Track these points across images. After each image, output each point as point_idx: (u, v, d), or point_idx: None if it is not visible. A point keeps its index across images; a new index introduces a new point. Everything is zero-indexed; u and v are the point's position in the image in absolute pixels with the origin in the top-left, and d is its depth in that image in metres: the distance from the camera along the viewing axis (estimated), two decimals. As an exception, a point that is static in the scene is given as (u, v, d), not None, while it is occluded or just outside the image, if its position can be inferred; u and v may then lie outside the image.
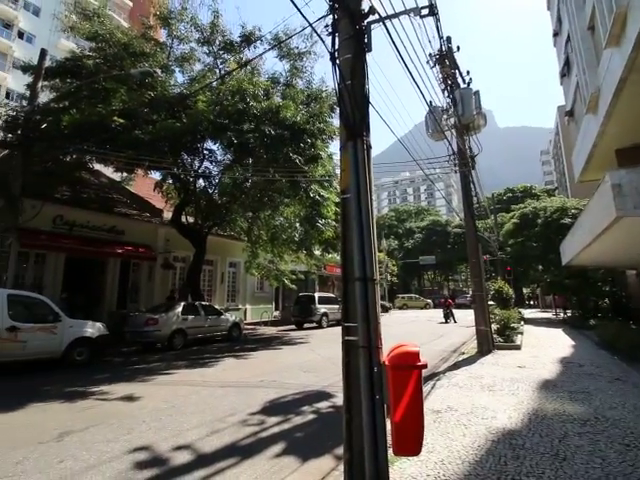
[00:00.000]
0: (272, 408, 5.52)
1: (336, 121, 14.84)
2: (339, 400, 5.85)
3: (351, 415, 2.81)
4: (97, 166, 14.77)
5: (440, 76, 9.66)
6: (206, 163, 14.72)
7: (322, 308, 18.91)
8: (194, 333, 12.18)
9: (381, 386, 2.69)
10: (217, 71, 14.32)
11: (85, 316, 10.48)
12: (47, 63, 11.89)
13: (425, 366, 2.57)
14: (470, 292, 46.44)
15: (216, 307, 14.33)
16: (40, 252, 12.48)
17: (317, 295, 19.42)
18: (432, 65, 9.82)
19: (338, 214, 15.21)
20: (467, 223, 10.90)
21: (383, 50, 7.46)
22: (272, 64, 16.30)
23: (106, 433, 4.48)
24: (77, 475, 3.43)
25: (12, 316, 7.59)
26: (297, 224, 16.07)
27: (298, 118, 12.02)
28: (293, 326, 19.13)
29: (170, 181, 15.68)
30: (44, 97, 12.63)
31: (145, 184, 17.84)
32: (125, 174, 16.64)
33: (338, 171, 14.76)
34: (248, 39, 13.81)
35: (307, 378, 7.47)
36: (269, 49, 12.38)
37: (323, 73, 24.68)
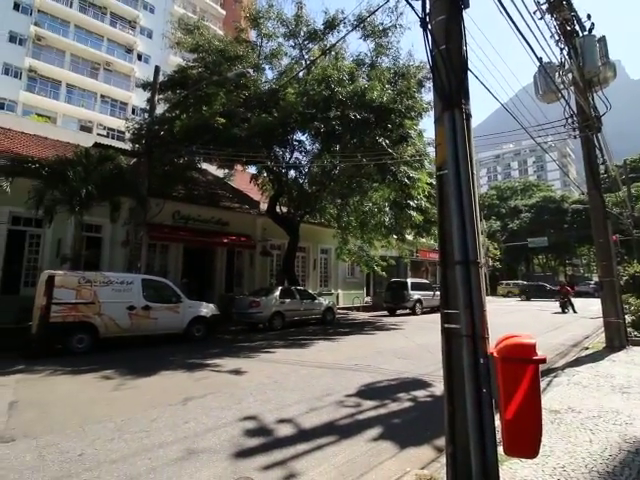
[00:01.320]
0: (367, 392, 5.55)
1: (426, 96, 13.92)
2: (437, 390, 5.60)
3: (454, 407, 2.63)
4: (204, 165, 16.56)
5: (553, 25, 8.21)
6: (296, 154, 15.31)
7: (415, 294, 18.29)
8: (291, 316, 12.97)
9: (489, 379, 2.44)
10: (303, 62, 14.61)
11: (200, 298, 11.95)
12: (160, 78, 13.61)
13: (543, 360, 2.25)
14: (594, 278, 39.68)
15: (310, 292, 14.98)
16: (164, 243, 14.59)
17: (410, 281, 18.85)
18: (541, 16, 8.39)
19: (431, 196, 14.39)
20: (592, 197, 9.21)
21: (480, 5, 6.62)
22: (356, 46, 16.12)
23: (220, 401, 5.05)
24: (199, 436, 3.93)
25: (146, 297, 9.12)
26: (387, 208, 15.71)
27: (384, 98, 11.59)
28: (385, 312, 18.95)
29: (264, 174, 16.75)
30: (160, 109, 14.54)
31: (243, 179, 19.38)
32: (226, 170, 18.32)
33: (430, 149, 13.92)
34: (331, 24, 13.74)
35: (402, 365, 7.32)
36: (352, 30, 12.14)
37: (410, 46, 23.27)
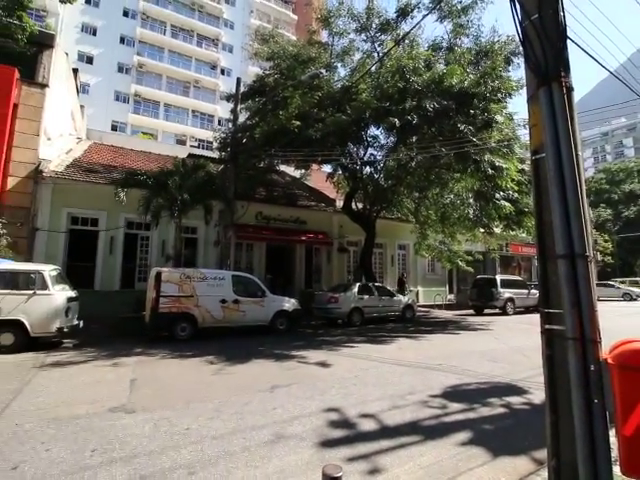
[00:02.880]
0: (454, 394, 5.28)
1: (515, 73, 12.65)
2: (535, 397, 5.08)
3: (557, 417, 2.37)
4: (282, 167, 17.38)
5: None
6: (370, 149, 15.16)
7: (506, 292, 16.77)
8: (369, 312, 12.92)
9: (602, 388, 2.14)
10: (375, 55, 14.39)
11: (282, 293, 12.60)
12: (241, 89, 14.62)
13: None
14: None
15: (388, 288, 14.74)
16: (249, 242, 15.71)
17: (499, 278, 17.34)
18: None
19: (522, 184, 13.05)
20: None
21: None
22: (431, 30, 15.36)
23: (305, 391, 5.27)
24: (286, 422, 4.16)
25: (235, 292, 9.95)
26: (470, 200, 14.66)
27: (465, 83, 10.83)
28: (471, 311, 17.74)
29: (339, 172, 16.92)
30: (242, 117, 15.64)
31: (319, 177, 19.86)
32: (303, 171, 18.96)
33: (522, 131, 12.62)
34: (404, 11, 13.28)
35: (492, 368, 6.80)
36: (428, 13, 11.51)
37: (494, 21, 21.30)
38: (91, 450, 3.42)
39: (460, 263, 17.62)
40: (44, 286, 7.75)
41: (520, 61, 12.59)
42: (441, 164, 13.13)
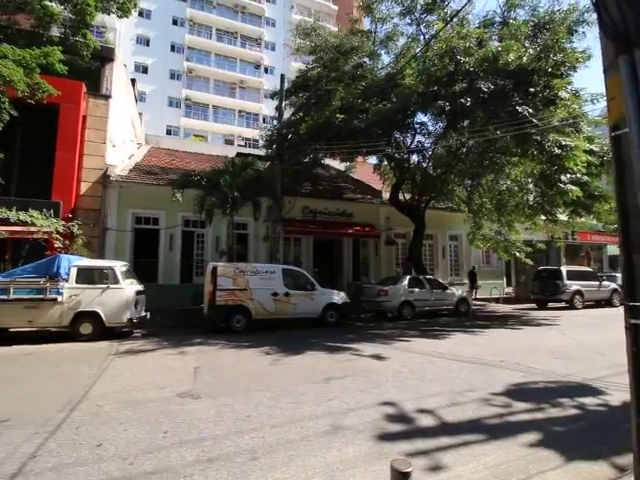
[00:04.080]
0: (518, 392, 4.98)
1: (579, 44, 11.47)
2: (613, 399, 4.65)
3: (647, 422, 2.13)
4: (327, 161, 17.37)
5: None
6: (418, 137, 14.63)
7: (573, 285, 15.45)
8: (421, 305, 12.58)
9: None
10: (421, 38, 13.80)
11: (331, 286, 12.67)
12: (285, 85, 14.79)
13: None
14: None
15: (440, 281, 14.24)
16: (296, 236, 15.98)
17: (565, 269, 16.00)
18: None
19: (592, 165, 11.89)
20: None
21: None
22: (482, 5, 14.23)
23: (359, 384, 5.27)
24: (342, 413, 4.19)
25: (286, 285, 10.21)
26: (530, 185, 13.63)
27: (524, 59, 10.02)
28: (533, 305, 16.60)
29: (385, 162, 16.56)
30: (287, 114, 15.84)
31: (364, 169, 19.60)
32: (348, 163, 18.81)
33: (588, 107, 11.47)
34: (452, -12, 12.54)
35: (561, 366, 6.31)
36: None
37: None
38: (163, 432, 3.70)
39: (518, 254, 16.50)
40: (116, 281, 8.51)
41: (586, 30, 11.40)
42: (496, 148, 12.34)
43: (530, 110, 9.97)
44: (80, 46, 12.14)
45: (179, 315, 11.46)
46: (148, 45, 36.35)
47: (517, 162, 12.80)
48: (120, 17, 14.39)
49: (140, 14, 35.54)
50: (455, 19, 12.26)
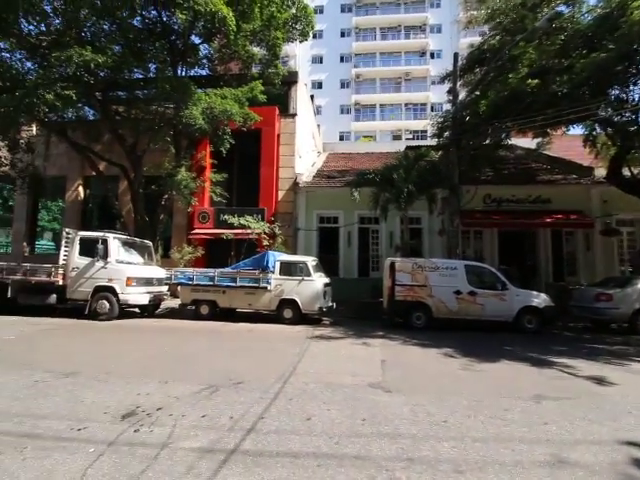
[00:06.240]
0: None
1: None
2: None
3: None
4: (512, 140, 14.97)
5: None
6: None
7: None
8: (668, 316, 9.23)
9: None
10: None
11: (523, 287, 10.84)
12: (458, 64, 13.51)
13: None
14: None
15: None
16: (477, 229, 14.43)
17: None
18: None
19: None
20: None
21: None
22: None
23: (584, 411, 4.19)
24: (565, 444, 3.37)
25: (470, 282, 9.31)
26: None
27: None
28: None
29: (597, 130, 12.98)
30: (460, 96, 14.49)
31: (562, 145, 15.93)
32: (540, 139, 15.71)
33: None
34: None
35: None
36: None
37: None
38: (362, 419, 3.83)
39: None
40: (308, 273, 9.70)
41: None
42: None
43: None
44: (273, 76, 14.45)
45: (359, 307, 12.11)
46: (322, 62, 40.33)
47: None
48: (301, 42, 16.45)
49: (314, 36, 39.84)
50: None
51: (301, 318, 9.81)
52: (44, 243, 17.91)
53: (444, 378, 5.41)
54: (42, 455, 2.99)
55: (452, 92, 13.19)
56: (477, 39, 15.03)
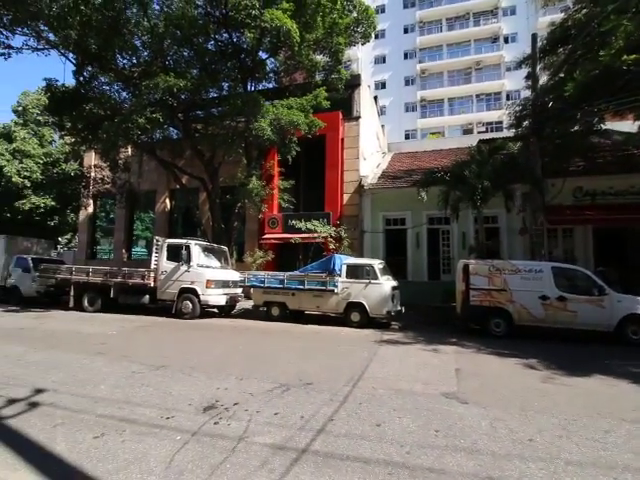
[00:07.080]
0: None
1: None
2: None
3: None
4: (606, 125, 13.13)
5: None
6: None
7: None
8: None
9: None
10: None
11: (623, 291, 9.37)
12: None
13: None
14: None
15: None
16: (566, 227, 12.89)
17: None
18: None
19: None
20: None
21: None
22: None
23: None
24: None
25: (558, 287, 8.30)
26: None
27: None
28: None
29: None
30: (540, 80, 13.13)
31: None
32: (642, 121, 13.54)
33: None
34: None
35: None
36: None
37: None
38: (435, 430, 3.65)
39: None
40: (375, 276, 9.56)
41: None
42: None
43: None
44: (336, 82, 14.61)
45: (430, 312, 11.59)
46: (384, 62, 39.70)
47: None
48: (363, 44, 16.40)
49: (376, 36, 39.44)
50: None
51: (369, 322, 9.69)
52: (139, 250, 20.31)
53: (527, 391, 4.90)
54: (137, 439, 3.37)
55: (531, 77, 12.03)
56: (559, 16, 13.49)
